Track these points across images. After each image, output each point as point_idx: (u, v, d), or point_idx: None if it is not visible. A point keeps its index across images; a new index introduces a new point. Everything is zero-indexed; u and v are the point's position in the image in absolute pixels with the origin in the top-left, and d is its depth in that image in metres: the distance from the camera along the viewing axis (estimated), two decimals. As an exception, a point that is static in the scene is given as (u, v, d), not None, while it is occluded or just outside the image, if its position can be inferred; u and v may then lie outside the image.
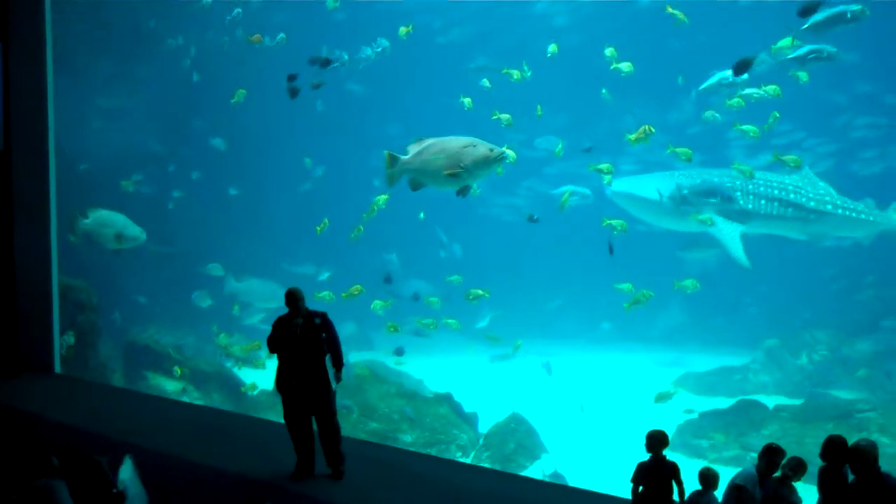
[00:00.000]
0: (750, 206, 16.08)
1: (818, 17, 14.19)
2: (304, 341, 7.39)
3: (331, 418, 7.52)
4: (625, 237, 14.89)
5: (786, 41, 14.47)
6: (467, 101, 16.05)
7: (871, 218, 16.57)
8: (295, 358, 7.42)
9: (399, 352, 17.43)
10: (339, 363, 7.53)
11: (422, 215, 19.34)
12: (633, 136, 14.04)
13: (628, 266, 17.28)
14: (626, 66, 15.41)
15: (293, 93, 17.02)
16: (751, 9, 21.95)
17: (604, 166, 15.57)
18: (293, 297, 7.48)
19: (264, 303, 19.46)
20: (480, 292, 16.25)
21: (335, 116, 24.95)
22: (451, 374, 19.18)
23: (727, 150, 21.11)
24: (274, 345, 7.55)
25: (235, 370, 17.45)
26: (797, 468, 5.44)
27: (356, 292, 15.50)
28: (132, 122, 24.23)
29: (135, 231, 15.03)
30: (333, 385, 7.45)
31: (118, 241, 15.04)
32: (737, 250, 15.60)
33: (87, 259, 17.17)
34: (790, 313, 21.53)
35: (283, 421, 7.62)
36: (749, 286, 22.89)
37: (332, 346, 7.48)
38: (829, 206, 16.29)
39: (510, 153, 11.28)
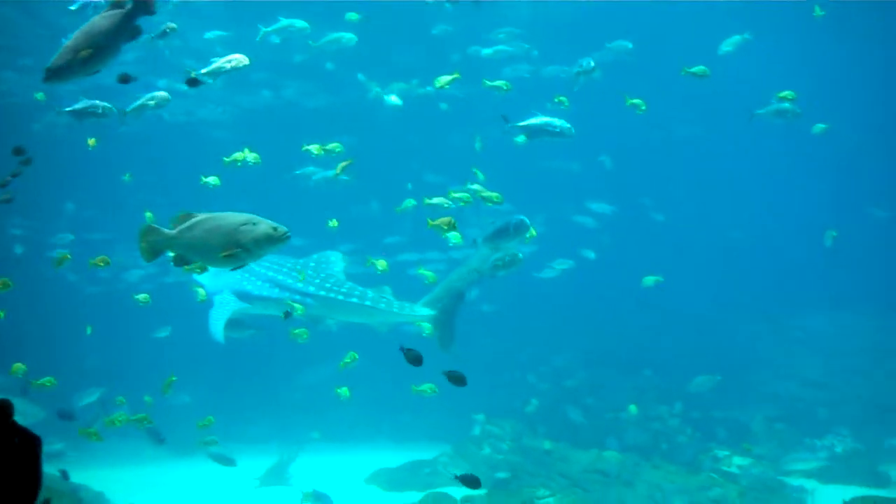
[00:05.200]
0: (248, 288, 16.21)
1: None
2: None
3: None
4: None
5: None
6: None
7: (380, 306, 16.28)
8: None
9: None
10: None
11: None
12: (432, 223, 13.14)
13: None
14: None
15: None
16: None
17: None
18: None
19: None
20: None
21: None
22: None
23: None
24: None
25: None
26: None
27: (48, 384, 13.91)
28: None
29: None
30: None
31: None
32: (217, 325, 15.27)
33: None
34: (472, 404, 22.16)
35: None
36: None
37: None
38: (323, 292, 16.30)
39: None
